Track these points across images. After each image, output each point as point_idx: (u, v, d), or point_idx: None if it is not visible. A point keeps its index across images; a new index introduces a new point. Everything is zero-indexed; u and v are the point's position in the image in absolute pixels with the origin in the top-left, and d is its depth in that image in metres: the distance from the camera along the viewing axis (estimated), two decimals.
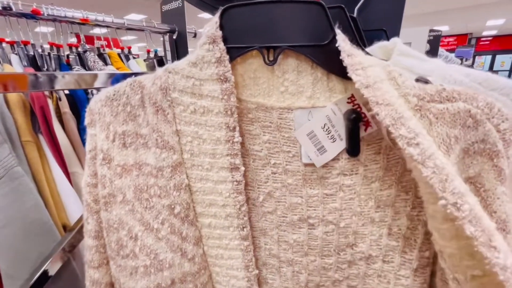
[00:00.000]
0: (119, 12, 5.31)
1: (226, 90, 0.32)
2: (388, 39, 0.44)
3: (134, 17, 6.17)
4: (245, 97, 0.34)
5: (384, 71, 0.30)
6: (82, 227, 0.57)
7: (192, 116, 0.34)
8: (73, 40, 1.09)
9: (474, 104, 0.28)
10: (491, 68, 8.36)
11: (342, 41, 0.29)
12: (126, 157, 0.35)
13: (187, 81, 0.33)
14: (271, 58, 0.31)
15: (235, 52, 0.32)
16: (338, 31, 0.30)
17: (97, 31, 1.08)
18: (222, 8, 0.31)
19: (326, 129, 0.32)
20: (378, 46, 0.43)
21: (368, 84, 0.28)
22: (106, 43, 1.43)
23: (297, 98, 0.33)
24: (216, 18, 0.32)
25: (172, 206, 0.34)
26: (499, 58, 9.06)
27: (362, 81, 0.28)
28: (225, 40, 0.32)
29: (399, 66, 0.44)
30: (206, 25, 0.32)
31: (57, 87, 0.51)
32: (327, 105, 0.32)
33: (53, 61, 0.83)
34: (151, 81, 0.34)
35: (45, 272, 0.54)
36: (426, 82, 0.31)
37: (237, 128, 0.33)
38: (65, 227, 0.59)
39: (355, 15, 0.71)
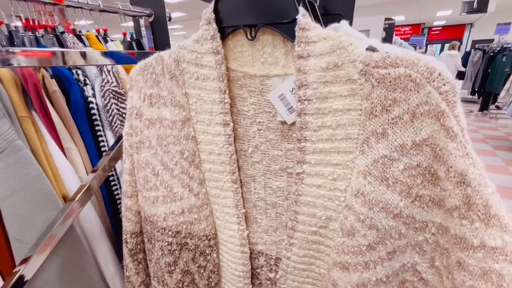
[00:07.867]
0: None
1: (218, 60, 0.40)
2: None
3: None
4: (235, 67, 0.42)
5: (334, 42, 0.34)
6: (82, 197, 0.63)
7: (196, 82, 0.42)
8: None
9: (414, 69, 0.30)
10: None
11: (301, 16, 0.35)
12: (152, 113, 0.45)
13: (192, 55, 0.41)
14: (252, 35, 0.39)
15: (226, 31, 0.41)
16: (300, 8, 0.35)
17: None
18: None
19: (294, 93, 0.38)
20: (330, 27, 0.54)
21: (302, 55, 0.35)
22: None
23: (273, 67, 0.40)
24: (211, 4, 0.40)
25: (183, 152, 0.43)
26: (446, 46, 9.95)
27: (299, 52, 0.35)
28: (220, 21, 0.40)
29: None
30: (204, 11, 0.40)
31: (69, 63, 0.55)
32: (294, 72, 0.38)
33: (31, 42, 0.83)
34: (168, 55, 0.43)
35: (51, 236, 0.59)
36: (374, 50, 0.35)
37: (227, 91, 0.41)
38: (64, 198, 0.63)
39: (317, 2, 0.83)
